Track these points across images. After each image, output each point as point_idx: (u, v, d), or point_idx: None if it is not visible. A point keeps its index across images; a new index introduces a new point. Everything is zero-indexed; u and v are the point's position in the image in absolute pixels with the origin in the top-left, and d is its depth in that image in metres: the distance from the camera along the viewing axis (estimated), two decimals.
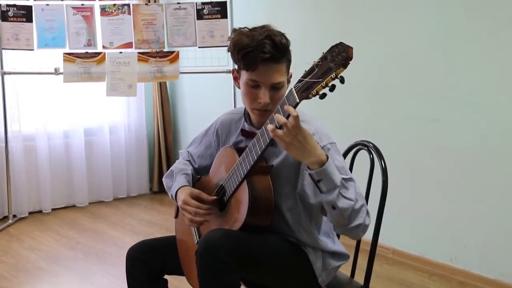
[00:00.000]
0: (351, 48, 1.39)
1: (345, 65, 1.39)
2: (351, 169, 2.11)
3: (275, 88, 1.71)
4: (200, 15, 4.09)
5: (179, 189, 1.90)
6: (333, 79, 1.42)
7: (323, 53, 1.46)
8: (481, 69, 2.95)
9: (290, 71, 1.76)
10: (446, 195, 3.16)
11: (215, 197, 1.83)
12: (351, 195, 1.61)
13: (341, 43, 1.42)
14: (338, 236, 2.04)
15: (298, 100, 1.50)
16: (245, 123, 1.87)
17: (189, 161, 2.05)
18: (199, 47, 4.13)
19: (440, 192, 3.19)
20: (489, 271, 2.98)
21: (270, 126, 1.55)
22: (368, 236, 1.90)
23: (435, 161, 3.19)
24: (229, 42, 1.75)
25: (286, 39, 1.71)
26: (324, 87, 1.44)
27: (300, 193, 1.74)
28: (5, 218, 4.34)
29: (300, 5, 3.92)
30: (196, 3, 4.09)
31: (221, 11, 4.09)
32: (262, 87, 1.70)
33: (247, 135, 1.85)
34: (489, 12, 2.90)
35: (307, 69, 1.49)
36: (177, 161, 2.07)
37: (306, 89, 1.47)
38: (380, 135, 3.18)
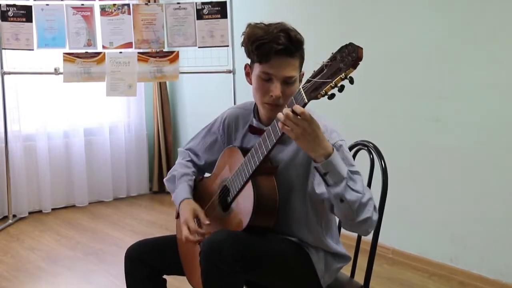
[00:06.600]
0: (361, 48, 1.39)
1: (355, 66, 1.39)
2: None
3: (287, 82, 1.71)
4: (200, 15, 4.09)
5: (183, 200, 1.89)
6: (343, 79, 1.42)
7: (332, 53, 1.45)
8: (481, 69, 2.95)
9: (302, 70, 1.76)
10: (446, 195, 3.16)
11: (207, 222, 1.80)
12: (358, 188, 1.61)
13: (351, 43, 1.41)
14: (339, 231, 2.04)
15: (306, 100, 1.50)
16: (253, 119, 1.87)
17: (190, 160, 2.03)
18: (199, 47, 4.13)
19: (440, 192, 3.19)
20: (489, 271, 2.98)
21: (280, 115, 1.53)
22: (368, 236, 1.90)
23: (435, 161, 3.19)
24: (242, 36, 1.74)
25: (301, 35, 1.71)
26: (333, 88, 1.43)
27: (311, 192, 1.73)
28: (5, 218, 4.34)
29: (300, 5, 3.92)
30: (196, 3, 4.08)
31: (221, 11, 4.08)
32: (274, 80, 1.70)
33: (255, 131, 1.84)
34: (490, 12, 2.90)
35: (315, 69, 1.49)
36: (177, 162, 2.05)
37: (315, 89, 1.47)
38: (380, 135, 3.18)
